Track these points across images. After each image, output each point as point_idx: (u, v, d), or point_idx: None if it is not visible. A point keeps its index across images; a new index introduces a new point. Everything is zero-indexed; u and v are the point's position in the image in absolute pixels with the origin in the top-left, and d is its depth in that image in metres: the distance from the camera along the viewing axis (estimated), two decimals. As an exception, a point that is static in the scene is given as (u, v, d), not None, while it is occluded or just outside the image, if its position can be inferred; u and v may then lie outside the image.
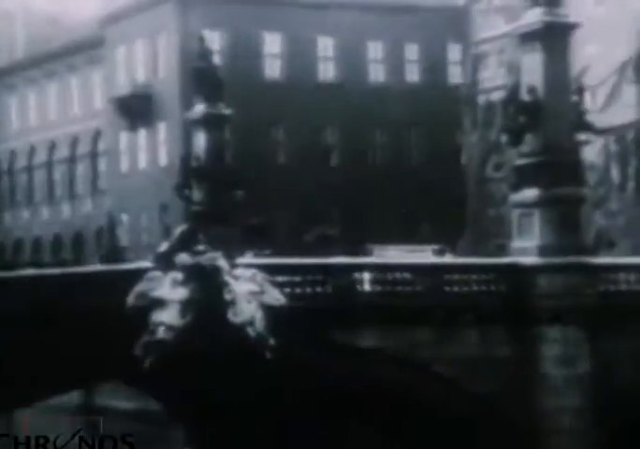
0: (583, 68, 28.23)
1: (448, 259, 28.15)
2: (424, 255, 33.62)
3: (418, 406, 24.31)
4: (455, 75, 49.82)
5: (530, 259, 25.37)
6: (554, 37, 26.21)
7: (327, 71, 48.13)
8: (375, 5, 47.75)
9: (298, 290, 23.26)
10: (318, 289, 23.61)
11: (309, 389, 23.49)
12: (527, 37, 26.61)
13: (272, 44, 47.37)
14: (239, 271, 22.06)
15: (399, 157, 48.31)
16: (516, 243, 26.27)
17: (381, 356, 23.85)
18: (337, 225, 45.14)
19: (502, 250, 27.72)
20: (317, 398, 23.69)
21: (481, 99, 49.85)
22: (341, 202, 45.97)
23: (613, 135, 51.09)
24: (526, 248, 25.78)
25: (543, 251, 25.43)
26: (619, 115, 52.31)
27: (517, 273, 25.28)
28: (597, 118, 37.77)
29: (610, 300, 25.20)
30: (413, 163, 48.76)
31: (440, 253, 34.22)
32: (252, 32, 46.54)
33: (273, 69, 47.49)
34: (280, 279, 22.81)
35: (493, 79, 52.25)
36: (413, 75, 49.27)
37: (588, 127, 27.15)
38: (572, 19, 26.65)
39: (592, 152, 48.15)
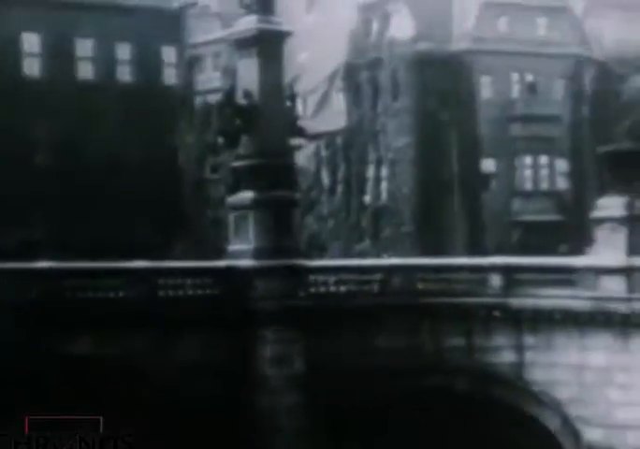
0: (296, 75, 28.83)
1: (167, 263, 27.71)
2: None
3: (136, 411, 23.78)
4: (170, 76, 49.66)
5: (246, 262, 25.55)
6: (268, 44, 26.64)
7: (33, 67, 46.43)
8: (85, 3, 46.69)
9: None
10: (25, 294, 22.58)
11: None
12: (242, 43, 26.91)
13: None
14: None
15: (113, 157, 47.30)
16: (233, 246, 26.38)
17: (96, 364, 23.13)
18: (42, 228, 43.39)
19: (221, 252, 27.76)
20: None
21: (197, 101, 50.02)
22: (48, 204, 44.24)
23: (324, 140, 52.88)
24: (242, 251, 25.94)
25: (258, 253, 25.70)
26: (330, 121, 54.27)
27: (234, 276, 25.36)
28: (309, 124, 38.89)
29: (322, 301, 25.87)
30: (128, 163, 47.90)
31: None
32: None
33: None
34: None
35: (209, 82, 52.57)
36: (125, 74, 48.59)
37: (300, 132, 27.76)
38: (285, 27, 27.19)
39: (304, 156, 49.68)
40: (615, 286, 23.86)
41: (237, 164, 26.39)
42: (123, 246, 35.89)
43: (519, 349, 24.97)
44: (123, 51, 48.47)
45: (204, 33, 54.69)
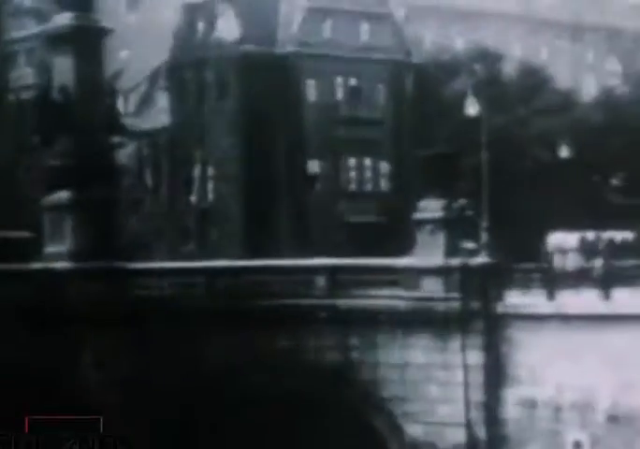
0: (116, 72, 28.20)
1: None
2: None
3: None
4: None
5: (62, 265, 24.73)
6: (85, 41, 26.24)
7: None
8: None
9: None
10: None
11: None
12: (57, 40, 26.38)
13: None
14: None
15: None
16: (49, 248, 25.50)
17: None
18: None
19: (36, 255, 26.72)
20: None
21: (11, 98, 48.22)
22: None
23: (146, 138, 51.96)
24: (59, 253, 25.10)
25: (75, 256, 24.91)
26: (152, 120, 53.39)
27: (50, 279, 24.48)
28: (130, 122, 38.12)
29: (145, 305, 25.26)
30: None
31: None
32: None
33: None
34: None
35: (23, 79, 50.74)
36: None
37: (121, 130, 27.16)
38: (104, 24, 26.73)
39: (126, 154, 48.62)
40: (434, 286, 24.29)
41: (52, 163, 25.55)
42: None
43: (345, 349, 25.09)
44: None
45: (18, 29, 52.87)
